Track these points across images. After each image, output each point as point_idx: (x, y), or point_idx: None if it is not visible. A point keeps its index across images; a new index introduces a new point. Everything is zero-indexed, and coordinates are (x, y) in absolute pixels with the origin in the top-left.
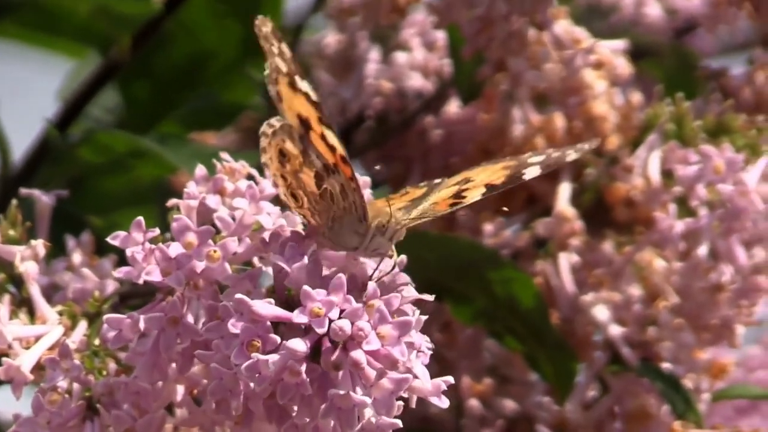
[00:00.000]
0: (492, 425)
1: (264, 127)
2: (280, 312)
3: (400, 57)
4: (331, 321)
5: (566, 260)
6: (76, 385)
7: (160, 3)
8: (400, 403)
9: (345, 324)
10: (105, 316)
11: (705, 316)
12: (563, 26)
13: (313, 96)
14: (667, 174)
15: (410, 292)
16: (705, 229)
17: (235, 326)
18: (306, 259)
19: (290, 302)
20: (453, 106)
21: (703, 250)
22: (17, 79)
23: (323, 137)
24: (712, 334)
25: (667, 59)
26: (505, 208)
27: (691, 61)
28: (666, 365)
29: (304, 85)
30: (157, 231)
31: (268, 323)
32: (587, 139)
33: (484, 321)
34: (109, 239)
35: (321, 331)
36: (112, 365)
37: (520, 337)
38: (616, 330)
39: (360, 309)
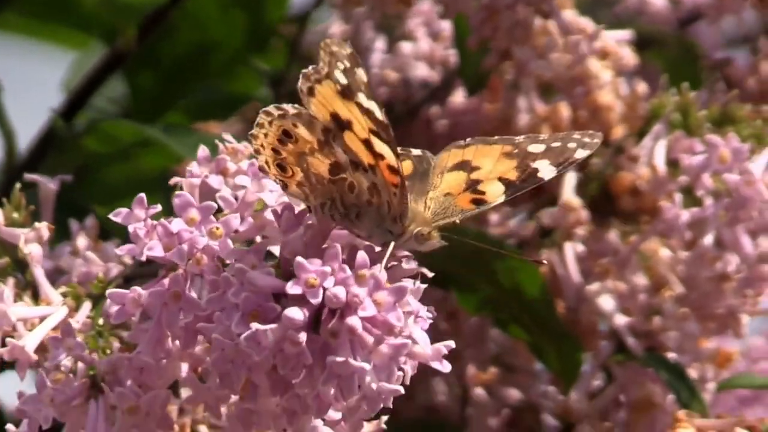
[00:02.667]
0: (497, 414)
1: (270, 108)
2: (276, 282)
3: (406, 47)
4: (325, 290)
5: (572, 250)
6: (80, 365)
7: None
8: (400, 373)
9: (339, 291)
10: (108, 291)
11: (710, 305)
12: (568, 15)
13: (379, 114)
14: (673, 163)
15: (410, 264)
16: (711, 218)
17: (235, 296)
18: (301, 229)
19: (292, 275)
20: (458, 96)
21: (708, 240)
22: (20, 70)
23: (367, 143)
24: (718, 324)
25: (671, 49)
26: None
27: (695, 52)
28: (671, 355)
29: (370, 103)
30: (158, 207)
31: (269, 293)
32: (593, 128)
33: (489, 310)
34: (111, 216)
35: (315, 301)
36: (116, 344)
37: (526, 326)
38: (621, 319)
39: (352, 276)
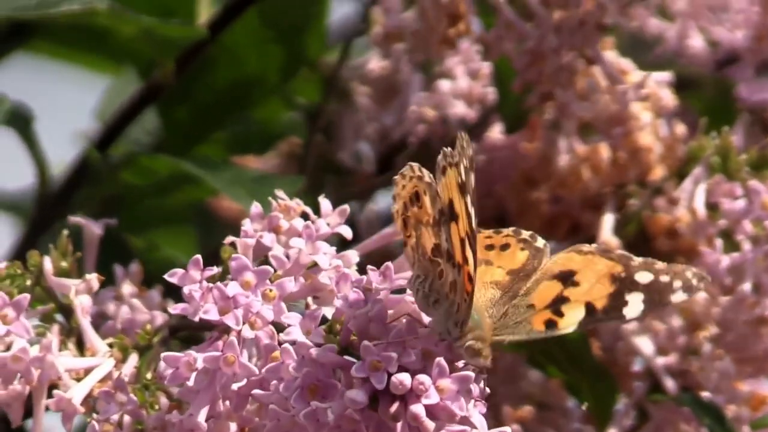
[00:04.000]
0: None
1: (415, 165)
2: (341, 360)
3: (444, 85)
4: (390, 374)
5: None
6: (127, 418)
7: (205, 27)
8: None
9: (405, 378)
10: (162, 354)
11: (748, 348)
12: (610, 57)
13: (474, 223)
14: (712, 207)
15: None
16: (750, 263)
17: (296, 370)
18: (369, 306)
19: (352, 347)
20: (495, 132)
21: (747, 285)
22: (50, 94)
23: (463, 243)
24: (754, 367)
25: (708, 91)
26: None
27: (732, 94)
28: (706, 395)
29: (472, 209)
30: (215, 270)
31: (329, 369)
32: (632, 169)
33: (525, 348)
34: (166, 276)
35: (380, 386)
36: (163, 399)
37: (561, 365)
38: (657, 359)
39: (419, 364)
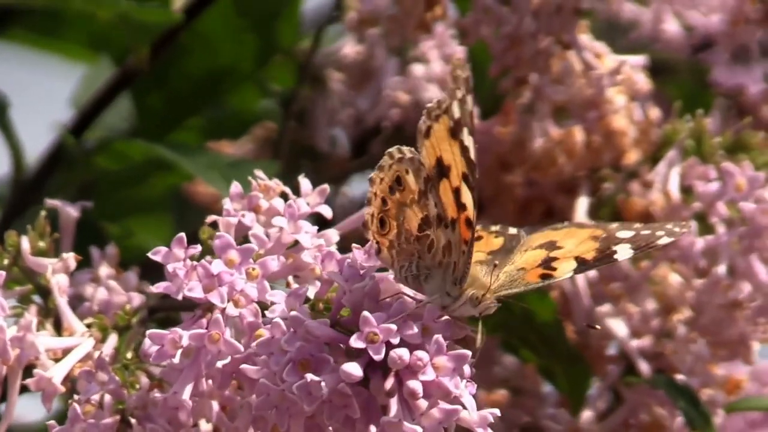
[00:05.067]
0: None
1: (393, 150)
2: (335, 334)
3: (418, 69)
4: (389, 348)
5: (583, 274)
6: (107, 398)
7: (181, 12)
8: None
9: (404, 353)
10: (148, 332)
11: (722, 332)
12: (585, 41)
13: (472, 154)
14: (686, 190)
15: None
16: (725, 246)
17: (288, 344)
18: (367, 281)
19: (339, 324)
20: None
21: (722, 268)
22: (26, 83)
23: (456, 191)
24: (728, 350)
25: (683, 76)
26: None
27: (707, 78)
28: (680, 377)
29: (469, 140)
30: (198, 248)
31: (322, 344)
32: (606, 153)
33: (500, 333)
34: (150, 255)
35: (378, 357)
36: (143, 379)
37: (535, 349)
38: (632, 342)
39: (419, 338)
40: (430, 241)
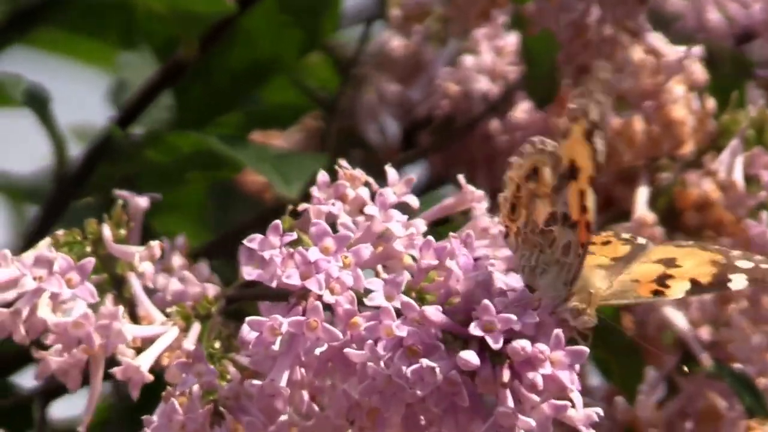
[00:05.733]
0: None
1: (536, 139)
2: (449, 322)
3: (468, 60)
4: (507, 339)
5: None
6: (196, 388)
7: (234, 2)
8: None
9: (526, 344)
10: (247, 319)
11: None
12: (652, 35)
13: (600, 156)
14: (748, 179)
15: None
16: None
17: (400, 329)
18: (480, 271)
19: (446, 312)
20: (520, 111)
21: None
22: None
23: (581, 194)
24: None
25: (726, 67)
26: None
27: (751, 70)
28: (737, 366)
29: (599, 143)
30: (294, 235)
31: (431, 331)
32: (664, 142)
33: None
34: (245, 242)
35: (496, 347)
36: (232, 369)
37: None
38: (690, 331)
39: (533, 330)
40: (553, 237)
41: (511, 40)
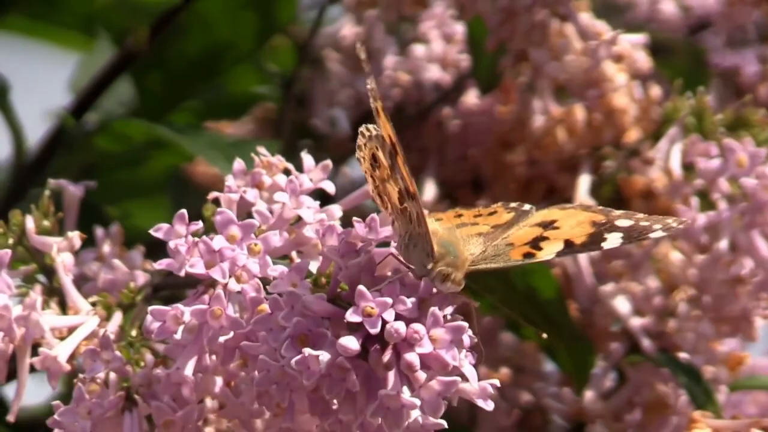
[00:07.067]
0: (507, 415)
1: (363, 128)
2: (333, 309)
3: (418, 49)
4: (385, 322)
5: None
6: (112, 376)
7: None
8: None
9: (400, 326)
10: (150, 308)
11: (724, 308)
12: (585, 19)
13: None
14: (688, 167)
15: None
16: (726, 222)
17: (285, 320)
18: (362, 256)
19: (339, 298)
20: (471, 97)
21: (724, 244)
22: (21, 70)
23: (405, 166)
24: (731, 327)
25: (680, 56)
26: None
27: (704, 59)
28: (683, 356)
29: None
30: (200, 224)
31: (319, 318)
32: (607, 131)
33: (502, 311)
34: (151, 231)
35: (374, 331)
36: (148, 356)
37: (539, 327)
38: (635, 320)
39: (416, 312)
40: (410, 213)
41: (460, 27)
